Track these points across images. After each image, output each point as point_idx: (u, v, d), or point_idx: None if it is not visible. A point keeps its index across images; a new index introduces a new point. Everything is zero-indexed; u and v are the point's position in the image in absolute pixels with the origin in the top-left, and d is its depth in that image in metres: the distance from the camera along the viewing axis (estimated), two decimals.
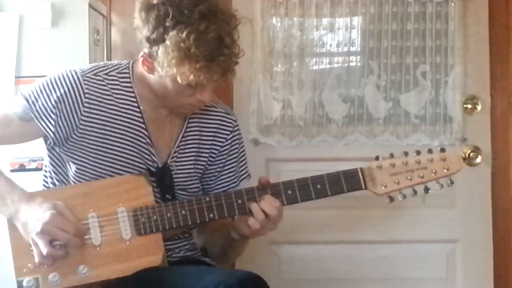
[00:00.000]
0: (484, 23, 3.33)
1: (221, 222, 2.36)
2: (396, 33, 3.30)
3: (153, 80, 2.18)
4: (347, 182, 2.17)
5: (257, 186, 2.18)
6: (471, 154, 3.32)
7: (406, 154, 2.18)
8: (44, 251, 2.03)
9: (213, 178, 2.38)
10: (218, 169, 2.38)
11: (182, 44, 2.00)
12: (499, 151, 3.35)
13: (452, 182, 2.17)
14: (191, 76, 2.03)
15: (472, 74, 3.33)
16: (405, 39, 3.30)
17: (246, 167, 2.45)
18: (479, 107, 3.33)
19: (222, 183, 2.38)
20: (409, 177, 2.16)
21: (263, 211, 2.12)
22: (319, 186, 2.16)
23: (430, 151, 2.19)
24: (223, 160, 2.38)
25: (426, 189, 2.18)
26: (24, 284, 2.09)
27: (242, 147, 2.43)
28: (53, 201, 2.08)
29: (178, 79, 2.05)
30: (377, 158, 2.19)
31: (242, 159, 2.43)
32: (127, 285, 2.10)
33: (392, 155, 2.19)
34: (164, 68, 2.06)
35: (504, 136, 3.35)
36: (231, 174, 2.39)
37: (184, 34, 2.00)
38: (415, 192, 2.18)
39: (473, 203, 3.37)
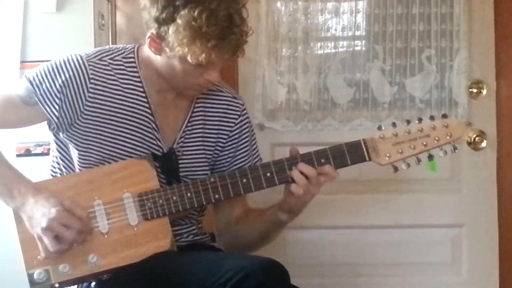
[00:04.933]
0: (489, 7, 3.32)
1: (246, 208, 2.38)
2: (401, 17, 3.29)
3: (160, 62, 2.17)
4: (350, 154, 2.16)
5: (261, 164, 2.20)
6: (477, 138, 3.32)
7: (408, 122, 2.18)
8: (50, 247, 2.04)
9: (226, 163, 2.36)
10: (230, 154, 2.36)
11: (193, 23, 1.98)
12: (504, 135, 3.35)
13: (455, 148, 2.18)
14: (203, 55, 2.02)
15: (477, 58, 3.32)
16: (410, 23, 3.29)
17: (257, 150, 2.44)
18: (484, 91, 3.32)
19: (236, 167, 2.35)
20: (412, 146, 2.15)
21: (303, 174, 2.13)
22: (323, 160, 2.15)
23: (432, 118, 2.18)
24: (235, 145, 2.36)
25: (430, 157, 2.17)
26: (35, 276, 2.08)
27: (252, 130, 2.42)
28: (59, 196, 2.08)
29: (189, 58, 2.03)
30: (379, 128, 2.19)
31: (253, 142, 2.42)
32: (139, 272, 2.09)
33: (394, 125, 2.18)
34: (174, 48, 2.04)
35: (510, 120, 3.34)
36: (244, 158, 2.37)
37: (196, 13, 1.98)
38: (418, 160, 2.17)
39: (479, 188, 3.37)
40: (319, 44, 3.32)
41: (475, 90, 3.32)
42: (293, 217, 2.26)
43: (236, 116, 2.37)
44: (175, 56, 2.08)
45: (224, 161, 2.37)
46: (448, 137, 2.16)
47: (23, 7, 2.80)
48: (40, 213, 2.05)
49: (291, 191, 2.15)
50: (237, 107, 2.38)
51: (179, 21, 2.01)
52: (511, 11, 3.32)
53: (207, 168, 2.34)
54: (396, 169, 2.18)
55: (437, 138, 2.15)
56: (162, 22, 2.05)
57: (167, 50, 2.08)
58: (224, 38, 2.01)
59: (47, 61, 2.25)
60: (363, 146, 2.17)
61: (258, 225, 2.33)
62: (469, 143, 3.30)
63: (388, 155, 2.16)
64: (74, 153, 2.22)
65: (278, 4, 3.31)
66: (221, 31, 2.01)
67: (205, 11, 1.99)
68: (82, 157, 2.21)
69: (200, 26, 1.99)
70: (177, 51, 2.05)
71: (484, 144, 3.33)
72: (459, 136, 2.17)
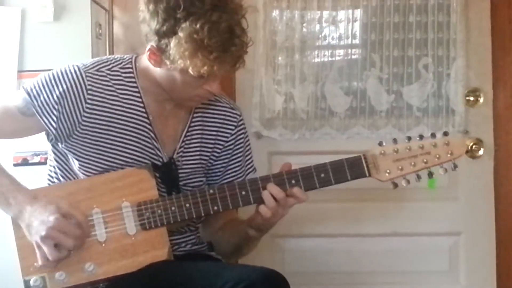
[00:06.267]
0: (486, 16, 3.33)
1: (229, 218, 2.37)
2: (398, 25, 3.30)
3: (159, 73, 2.17)
4: (351, 169, 2.15)
5: (260, 176, 2.17)
6: (474, 146, 3.32)
7: (409, 139, 2.17)
8: (49, 255, 2.04)
9: (219, 173, 2.37)
10: (223, 164, 2.36)
11: (195, 36, 1.98)
12: (501, 144, 3.35)
13: (456, 166, 2.17)
14: (205, 67, 2.01)
15: (474, 66, 3.32)
16: (407, 31, 3.29)
17: (251, 161, 2.44)
18: (481, 100, 3.33)
19: (228, 178, 2.36)
20: (412, 163, 2.15)
21: (272, 196, 2.12)
22: (322, 175, 2.15)
23: (433, 135, 2.17)
24: (228, 155, 2.36)
25: (430, 174, 2.17)
26: (31, 283, 2.08)
27: (247, 141, 2.42)
28: (57, 202, 2.08)
29: (190, 70, 2.03)
30: (380, 144, 2.18)
31: (247, 153, 2.42)
32: (136, 282, 2.09)
33: (395, 141, 2.18)
34: (176, 60, 2.03)
35: (507, 128, 3.34)
36: (237, 169, 2.38)
37: (197, 25, 1.98)
38: (418, 177, 2.17)
39: (476, 196, 3.37)
40: (316, 52, 3.33)
41: (472, 98, 3.32)
42: (261, 235, 2.26)
43: (233, 127, 2.37)
44: (176, 69, 2.08)
45: (217, 170, 2.37)
46: (449, 155, 2.15)
47: (21, 16, 2.81)
48: (38, 221, 2.04)
49: (259, 212, 2.15)
50: (234, 117, 2.38)
51: (180, 34, 2.00)
52: (508, 19, 3.32)
53: (203, 177, 2.35)
54: (395, 185, 2.17)
55: (437, 156, 2.15)
56: (163, 35, 2.05)
57: (168, 62, 2.08)
58: (225, 50, 2.01)
59: (45, 70, 2.25)
60: (364, 162, 2.16)
61: (232, 237, 2.34)
62: (466, 152, 3.29)
63: (388, 171, 2.16)
64: (75, 163, 2.22)
65: (275, 13, 3.31)
66: (223, 43, 2.00)
67: (207, 24, 1.98)
68: (83, 166, 2.20)
69: (202, 38, 1.98)
70: (178, 63, 2.04)
71: (481, 152, 3.33)
72: (460, 154, 2.16)
